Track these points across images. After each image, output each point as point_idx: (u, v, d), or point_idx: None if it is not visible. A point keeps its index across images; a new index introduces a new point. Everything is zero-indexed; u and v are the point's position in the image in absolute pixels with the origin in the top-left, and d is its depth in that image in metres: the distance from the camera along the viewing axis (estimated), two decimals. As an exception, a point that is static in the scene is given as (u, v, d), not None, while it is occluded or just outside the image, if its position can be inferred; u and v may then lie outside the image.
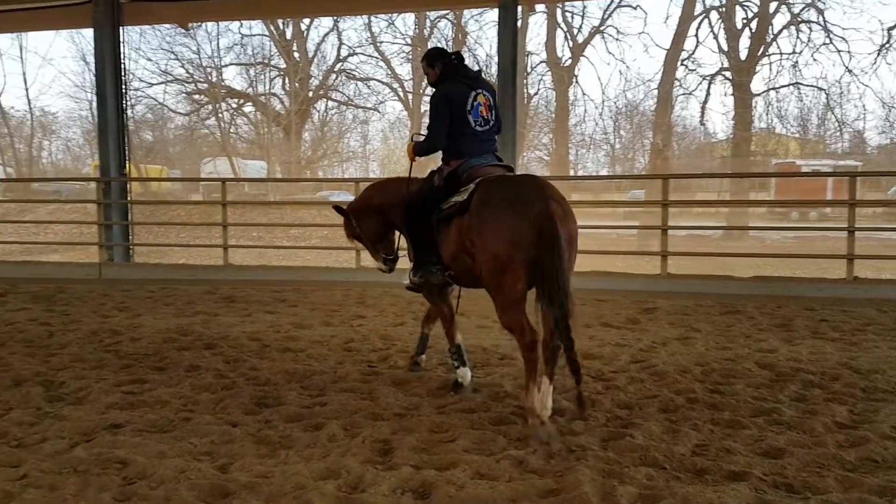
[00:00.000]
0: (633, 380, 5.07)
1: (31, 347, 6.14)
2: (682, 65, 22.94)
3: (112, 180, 11.32)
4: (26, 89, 40.87)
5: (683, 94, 23.75)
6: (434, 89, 4.81)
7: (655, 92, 23.99)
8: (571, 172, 26.04)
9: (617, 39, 23.83)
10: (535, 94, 26.05)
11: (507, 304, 4.07)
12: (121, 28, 11.02)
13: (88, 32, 11.70)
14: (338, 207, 5.48)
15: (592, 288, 8.48)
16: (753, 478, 3.32)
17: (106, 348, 6.08)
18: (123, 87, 11.37)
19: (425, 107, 26.87)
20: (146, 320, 7.34)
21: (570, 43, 24.71)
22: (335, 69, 27.33)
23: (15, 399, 4.66)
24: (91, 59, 26.21)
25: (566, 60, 24.87)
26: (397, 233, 5.31)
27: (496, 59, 10.30)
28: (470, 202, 4.25)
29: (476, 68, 5.34)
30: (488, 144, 4.74)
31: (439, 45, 22.65)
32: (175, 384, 4.97)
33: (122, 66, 11.27)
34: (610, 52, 30.29)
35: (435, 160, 4.96)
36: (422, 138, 4.81)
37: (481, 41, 29.87)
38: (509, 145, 10.01)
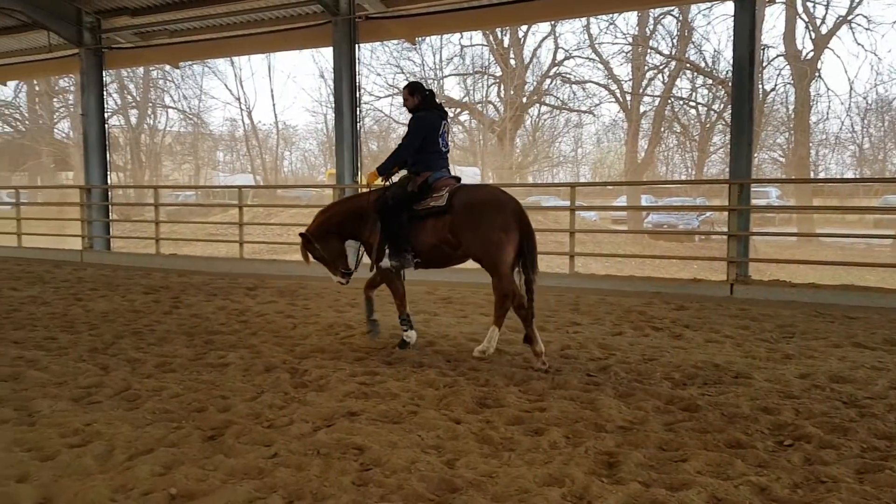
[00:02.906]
0: (893, 408, 4.45)
1: (278, 337, 6.80)
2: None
3: (346, 187, 12.26)
4: (273, 105, 45.99)
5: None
6: (411, 114, 6.13)
7: (912, 86, 21.06)
8: (812, 175, 23.67)
9: (867, 29, 21.33)
10: (772, 90, 24.10)
11: (504, 275, 5.61)
12: (356, 45, 11.92)
13: (327, 51, 12.74)
14: (303, 234, 6.35)
15: (841, 304, 7.60)
16: None
17: (341, 341, 6.58)
18: (357, 101, 12.28)
19: (644, 107, 26.02)
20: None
21: (812, 34, 22.55)
22: (550, 73, 27.39)
23: (266, 383, 5.17)
24: (328, 75, 28.84)
25: (807, 53, 22.73)
26: (350, 248, 6.39)
27: (725, 53, 9.68)
28: (451, 206, 5.71)
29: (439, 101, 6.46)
30: (446, 161, 6.13)
31: (663, 41, 21.89)
32: (402, 378, 5.22)
33: (357, 81, 12.18)
34: (859, 44, 27.17)
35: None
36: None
37: (709, 36, 28.26)
38: (745, 146, 9.31)
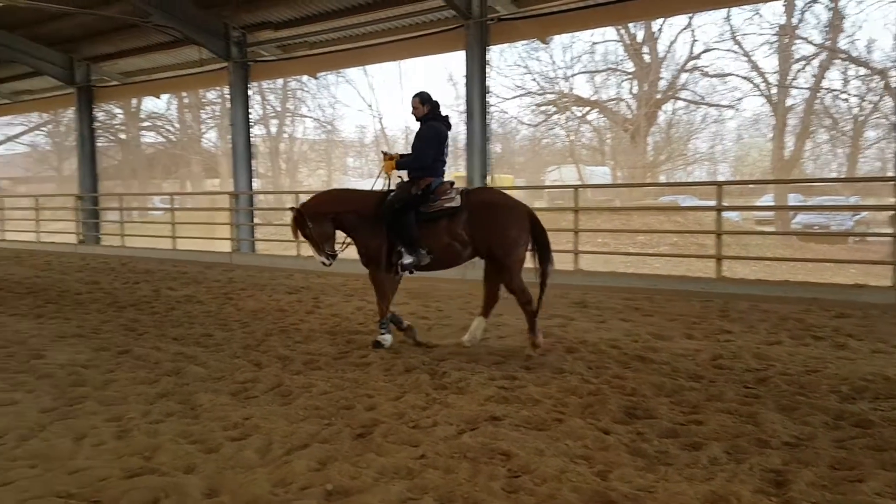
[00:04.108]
0: None
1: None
2: None
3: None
4: (403, 111, 47.23)
5: None
6: (420, 122, 6.42)
7: None
8: None
9: None
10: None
11: (517, 272, 6.17)
12: (487, 48, 11.93)
13: (457, 55, 12.81)
14: (298, 210, 6.49)
15: None
16: None
17: (477, 343, 6.54)
18: (487, 103, 12.28)
19: (792, 101, 24.37)
20: (508, 320, 7.74)
21: None
22: (686, 67, 26.25)
23: (408, 384, 5.23)
24: (457, 79, 29.15)
25: None
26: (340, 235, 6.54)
27: (881, 42, 8.80)
28: (467, 205, 6.19)
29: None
30: (445, 169, 6.50)
31: (812, 30, 20.31)
32: (543, 384, 5.12)
33: (487, 84, 12.18)
34: None
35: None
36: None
37: (862, 24, 26.08)
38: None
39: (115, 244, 17.82)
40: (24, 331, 7.44)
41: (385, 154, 6.59)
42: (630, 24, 24.72)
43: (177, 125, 38.19)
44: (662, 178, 27.60)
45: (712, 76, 25.96)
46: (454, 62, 30.61)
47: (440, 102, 6.53)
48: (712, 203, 10.13)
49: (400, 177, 6.60)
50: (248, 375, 5.50)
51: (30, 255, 17.17)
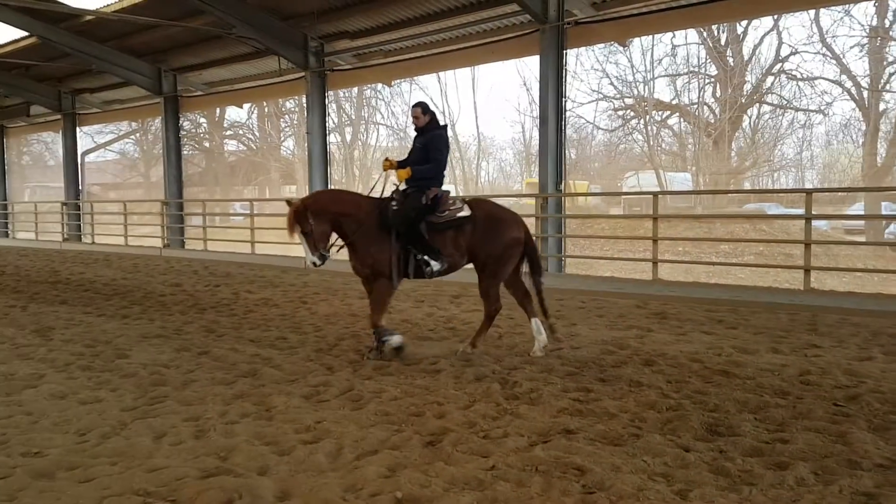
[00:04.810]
0: None
1: (485, 346, 6.76)
2: None
3: (550, 196, 12.13)
4: (476, 116, 47.29)
5: None
6: (423, 131, 6.48)
7: None
8: None
9: None
10: None
11: (497, 283, 6.46)
12: (564, 52, 11.76)
13: (532, 60, 12.71)
14: (301, 204, 6.22)
15: None
16: None
17: (549, 353, 6.41)
18: (563, 109, 12.11)
19: (884, 105, 23.10)
20: (581, 330, 7.58)
21: None
22: (773, 70, 25.22)
23: (478, 392, 5.15)
24: (531, 84, 28.97)
25: None
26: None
27: None
28: (474, 217, 6.35)
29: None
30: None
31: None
32: (619, 397, 4.95)
33: (563, 89, 12.02)
34: None
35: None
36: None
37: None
38: None
39: (198, 248, 18.47)
40: (111, 331, 7.76)
41: (388, 160, 6.53)
42: (713, 26, 23.97)
43: (256, 133, 39.39)
44: (747, 185, 26.56)
45: (800, 80, 24.85)
46: (528, 67, 30.34)
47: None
48: (800, 211, 9.67)
49: (395, 184, 6.51)
50: (320, 379, 5.55)
51: (118, 258, 17.99)
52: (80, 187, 24.76)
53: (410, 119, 6.57)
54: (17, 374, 5.80)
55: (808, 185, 25.18)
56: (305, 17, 14.92)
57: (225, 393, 5.20)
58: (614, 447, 3.98)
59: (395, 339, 6.24)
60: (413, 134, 6.69)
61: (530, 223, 16.58)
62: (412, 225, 6.27)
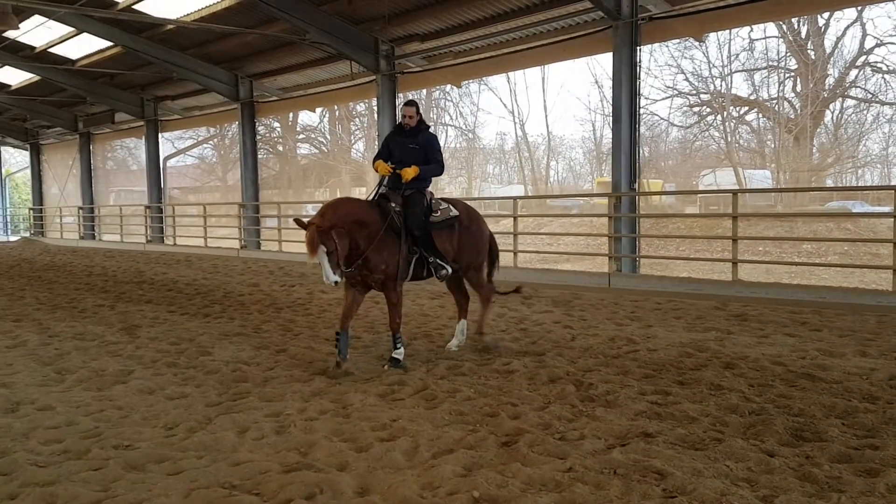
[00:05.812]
0: None
1: (558, 347, 6.74)
2: None
3: (623, 195, 11.91)
4: (546, 116, 46.92)
5: None
6: (415, 131, 6.42)
7: None
8: None
9: None
10: None
11: (480, 271, 6.84)
12: (637, 49, 11.53)
13: (604, 57, 12.50)
14: (325, 224, 5.57)
15: None
16: None
17: (625, 355, 6.30)
18: (637, 106, 11.87)
19: None
20: (658, 332, 7.42)
21: None
22: (856, 64, 24.08)
23: (552, 394, 5.11)
24: (602, 82, 28.53)
25: None
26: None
27: None
28: (459, 217, 6.55)
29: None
30: None
31: None
32: (699, 401, 4.82)
33: (636, 86, 11.78)
34: None
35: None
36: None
37: None
38: None
39: (274, 249, 18.99)
40: (193, 329, 8.07)
41: (382, 163, 6.38)
42: (793, 19, 23.03)
43: (328, 137, 40.19)
44: (829, 182, 25.42)
45: (885, 72, 23.63)
46: (599, 64, 29.84)
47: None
48: (888, 209, 9.19)
49: (386, 186, 6.37)
50: (394, 378, 5.62)
51: (198, 259, 18.68)
52: (162, 191, 25.82)
53: (406, 119, 6.43)
54: (107, 371, 6.09)
55: (895, 182, 23.93)
56: (376, 21, 15.12)
57: (303, 390, 5.33)
58: (695, 451, 3.88)
59: (401, 353, 6.17)
60: (389, 131, 6.76)
61: (603, 223, 16.39)
62: (426, 228, 6.28)
